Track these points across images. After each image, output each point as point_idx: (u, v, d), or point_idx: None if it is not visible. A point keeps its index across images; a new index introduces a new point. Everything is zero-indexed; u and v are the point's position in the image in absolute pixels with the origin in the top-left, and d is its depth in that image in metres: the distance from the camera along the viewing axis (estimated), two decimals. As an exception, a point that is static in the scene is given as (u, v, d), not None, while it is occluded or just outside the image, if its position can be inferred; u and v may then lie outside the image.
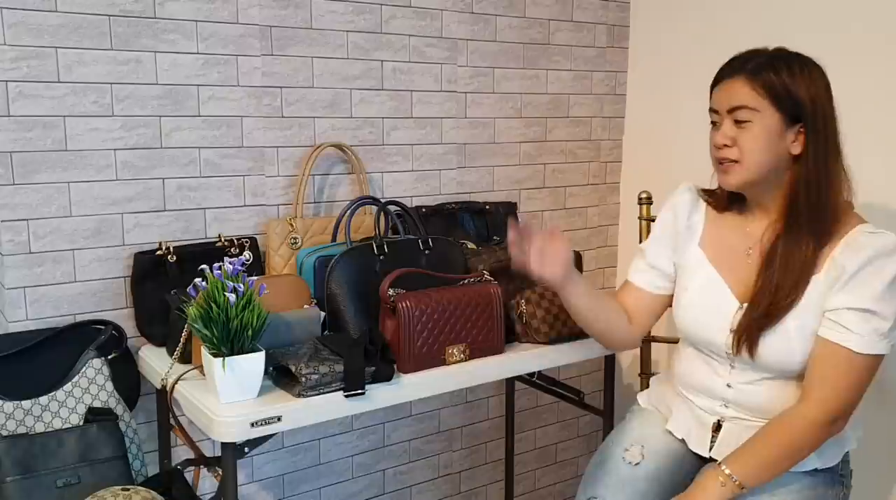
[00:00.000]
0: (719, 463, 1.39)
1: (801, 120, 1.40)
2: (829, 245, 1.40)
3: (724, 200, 1.57)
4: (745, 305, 1.46)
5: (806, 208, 1.41)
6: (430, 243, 1.80)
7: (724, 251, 1.54)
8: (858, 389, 1.39)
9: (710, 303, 1.52)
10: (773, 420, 1.41)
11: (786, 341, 1.41)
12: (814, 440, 1.39)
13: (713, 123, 1.47)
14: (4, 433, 1.54)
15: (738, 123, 1.41)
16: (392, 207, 1.87)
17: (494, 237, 2.13)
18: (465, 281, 1.72)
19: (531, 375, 2.00)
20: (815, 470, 1.45)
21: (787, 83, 1.39)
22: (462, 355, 1.66)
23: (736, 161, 1.42)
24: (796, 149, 1.41)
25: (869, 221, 1.44)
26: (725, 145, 1.43)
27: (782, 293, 1.41)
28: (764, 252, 1.46)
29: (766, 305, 1.42)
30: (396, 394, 1.58)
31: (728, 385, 1.50)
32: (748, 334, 1.43)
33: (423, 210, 2.06)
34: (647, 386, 1.90)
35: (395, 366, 1.59)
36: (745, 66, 1.42)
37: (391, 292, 1.60)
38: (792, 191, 1.43)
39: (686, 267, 1.58)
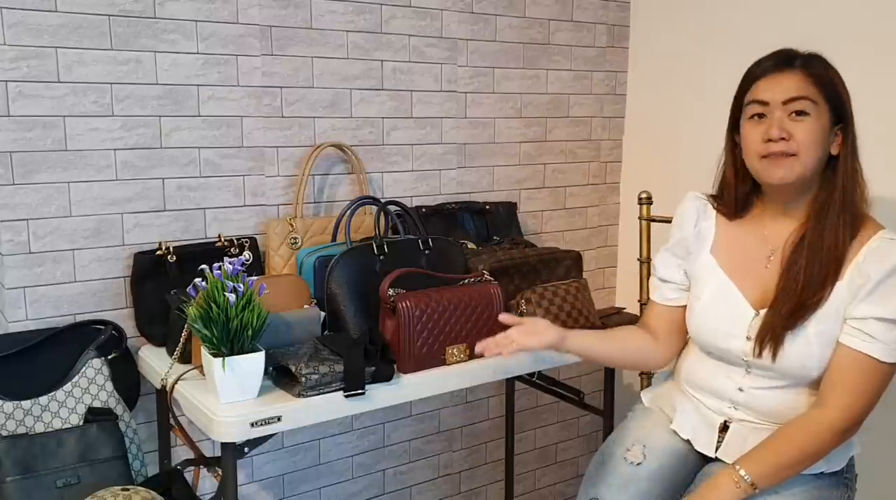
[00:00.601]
0: (734, 463, 1.39)
1: (841, 120, 1.41)
2: (850, 250, 1.39)
3: (733, 205, 1.54)
4: (763, 311, 1.45)
5: (841, 207, 1.39)
6: (430, 243, 1.80)
7: (738, 257, 1.52)
8: (877, 396, 1.39)
9: (724, 311, 1.50)
10: (790, 424, 1.40)
11: (806, 346, 1.40)
12: (829, 445, 1.39)
13: (758, 115, 1.43)
14: (4, 433, 1.54)
15: (795, 114, 1.39)
16: (392, 207, 1.87)
17: (494, 237, 2.13)
18: (465, 281, 1.72)
19: (531, 375, 2.00)
20: (822, 473, 1.44)
21: (835, 82, 1.41)
22: (462, 355, 1.66)
23: (793, 154, 1.39)
24: (835, 149, 1.41)
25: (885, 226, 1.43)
26: (782, 138, 1.38)
27: (809, 292, 1.39)
28: (786, 256, 1.44)
29: (791, 305, 1.40)
30: (396, 394, 1.58)
31: (740, 389, 1.49)
32: (772, 335, 1.41)
33: (423, 210, 2.06)
34: (648, 385, 1.89)
35: (395, 366, 1.59)
36: (793, 61, 1.41)
37: (391, 292, 1.60)
38: (825, 192, 1.41)
39: (698, 275, 1.56)
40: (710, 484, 1.39)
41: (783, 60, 1.42)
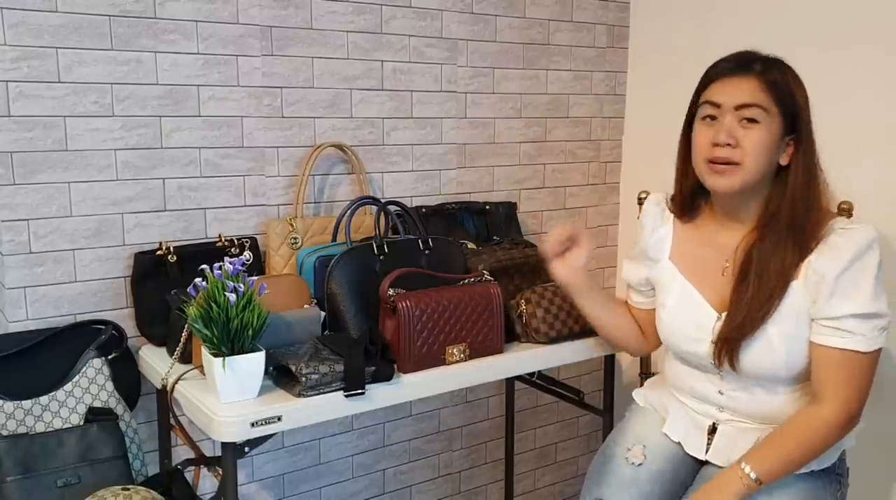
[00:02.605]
0: (739, 461, 1.39)
1: (793, 130, 1.39)
2: (805, 250, 1.40)
3: (681, 206, 1.55)
4: (724, 314, 1.46)
5: (790, 220, 1.39)
6: (430, 243, 1.80)
7: (697, 263, 1.53)
8: (869, 384, 1.40)
9: (688, 316, 1.51)
10: (791, 420, 1.41)
11: (769, 347, 1.41)
12: (832, 439, 1.40)
13: (709, 117, 1.42)
14: (5, 432, 1.54)
15: (745, 121, 1.37)
16: (392, 207, 1.87)
17: (494, 237, 2.13)
18: (465, 281, 1.72)
19: (531, 375, 2.00)
20: (812, 471, 1.45)
21: (791, 90, 1.39)
22: (462, 355, 1.66)
23: (736, 163, 1.38)
24: (784, 160, 1.41)
25: (839, 216, 1.44)
26: (728, 144, 1.38)
27: (756, 305, 1.40)
28: (738, 263, 1.45)
29: (742, 316, 1.41)
30: (396, 394, 1.58)
31: (720, 392, 1.50)
32: (728, 345, 1.42)
33: (423, 210, 2.06)
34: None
35: (395, 366, 1.60)
36: (752, 65, 1.39)
37: (391, 291, 1.60)
38: (774, 202, 1.41)
39: (661, 282, 1.58)
40: (716, 482, 1.40)
41: (742, 64, 1.41)
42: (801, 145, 1.39)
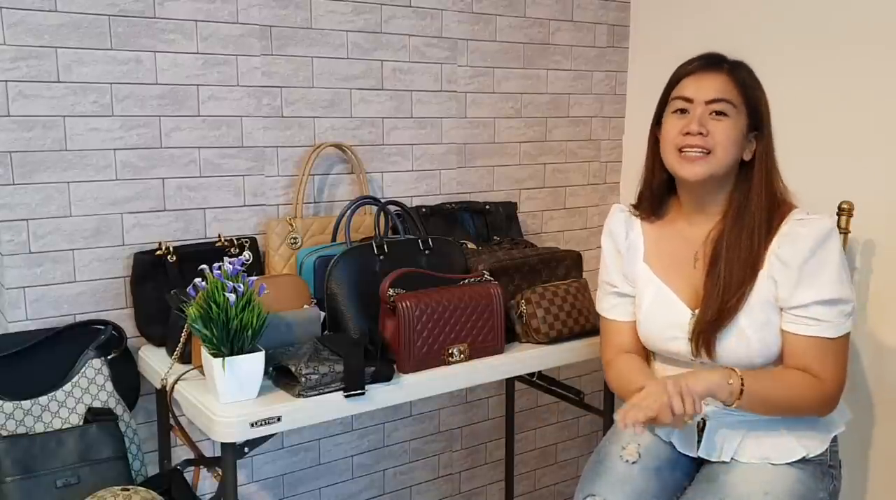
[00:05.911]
0: (733, 368, 1.40)
1: (756, 128, 1.46)
2: (767, 240, 1.44)
3: (650, 204, 1.58)
4: (697, 311, 1.49)
5: (755, 211, 1.44)
6: (430, 243, 1.80)
7: (669, 261, 1.55)
8: (845, 362, 1.45)
9: (663, 315, 1.54)
10: (792, 372, 1.43)
11: (743, 338, 1.44)
12: (815, 404, 1.43)
13: (681, 111, 1.48)
14: (4, 433, 1.54)
15: (715, 114, 1.44)
16: (392, 207, 1.87)
17: (494, 237, 2.13)
18: (465, 281, 1.72)
19: (531, 375, 2.00)
20: (804, 459, 1.46)
21: (756, 91, 1.47)
22: (462, 355, 1.66)
23: (708, 151, 1.43)
24: (748, 155, 1.47)
25: (796, 208, 1.47)
26: (700, 133, 1.43)
27: (729, 294, 1.44)
28: (707, 256, 1.49)
29: (716, 308, 1.44)
30: (396, 394, 1.58)
31: None
32: (704, 337, 1.46)
33: (423, 210, 2.06)
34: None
35: (395, 366, 1.59)
36: (721, 64, 1.47)
37: (391, 291, 1.60)
38: (739, 195, 1.46)
39: (637, 285, 1.59)
40: (708, 370, 1.42)
41: (711, 62, 1.48)
42: (763, 142, 1.46)
